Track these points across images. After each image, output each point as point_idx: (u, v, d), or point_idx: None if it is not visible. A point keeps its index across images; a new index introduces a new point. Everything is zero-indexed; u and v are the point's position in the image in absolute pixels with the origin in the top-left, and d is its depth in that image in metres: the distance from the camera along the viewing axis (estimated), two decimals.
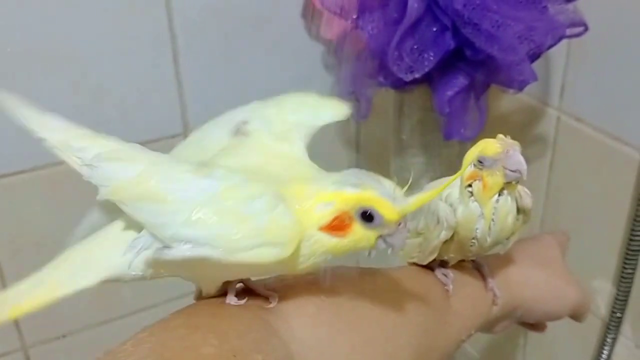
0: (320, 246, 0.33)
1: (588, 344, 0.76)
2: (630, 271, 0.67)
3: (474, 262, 0.51)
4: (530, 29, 0.50)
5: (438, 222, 0.45)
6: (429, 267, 0.49)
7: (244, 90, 0.74)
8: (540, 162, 0.76)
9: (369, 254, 0.35)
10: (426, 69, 0.52)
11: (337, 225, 0.33)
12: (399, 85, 0.59)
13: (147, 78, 0.68)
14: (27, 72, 0.63)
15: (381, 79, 0.58)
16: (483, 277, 0.50)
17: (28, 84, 0.63)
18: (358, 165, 0.85)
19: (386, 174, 0.78)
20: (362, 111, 0.62)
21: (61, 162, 0.66)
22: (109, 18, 0.64)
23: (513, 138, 0.45)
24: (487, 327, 0.52)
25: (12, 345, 0.70)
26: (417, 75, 0.53)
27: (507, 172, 0.42)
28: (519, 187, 0.45)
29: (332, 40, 0.63)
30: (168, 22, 0.67)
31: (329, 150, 0.82)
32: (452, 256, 0.48)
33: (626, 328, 0.72)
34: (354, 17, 0.53)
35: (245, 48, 0.72)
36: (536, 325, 0.58)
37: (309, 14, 0.67)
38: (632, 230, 0.64)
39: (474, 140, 0.61)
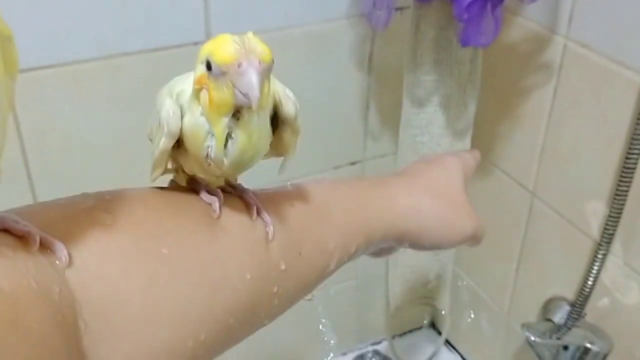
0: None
1: (580, 265, 0.81)
2: (624, 188, 0.71)
3: (234, 188, 0.40)
4: None
5: (160, 124, 0.35)
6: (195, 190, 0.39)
7: (265, 3, 0.76)
8: (544, 90, 0.80)
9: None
10: None
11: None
12: None
13: None
14: None
15: None
16: (246, 205, 0.39)
17: None
18: (369, 87, 0.88)
19: (398, 92, 0.82)
20: (382, 21, 0.64)
21: (89, 60, 0.69)
22: None
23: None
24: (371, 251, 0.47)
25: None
26: None
27: (237, 92, 0.31)
28: (279, 89, 0.36)
29: None
30: None
31: (341, 71, 0.85)
32: (201, 176, 0.38)
33: (616, 246, 0.76)
34: None
35: None
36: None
37: None
38: (630, 147, 0.68)
39: (488, 46, 0.64)
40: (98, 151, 0.75)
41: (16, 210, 0.32)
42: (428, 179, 0.50)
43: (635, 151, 0.68)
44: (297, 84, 0.84)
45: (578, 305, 0.80)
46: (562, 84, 0.78)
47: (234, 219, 0.38)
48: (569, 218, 0.82)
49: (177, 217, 0.37)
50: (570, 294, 0.84)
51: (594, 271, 0.77)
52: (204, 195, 0.38)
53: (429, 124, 0.76)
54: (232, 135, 0.34)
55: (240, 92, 0.31)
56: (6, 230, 0.29)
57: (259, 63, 0.31)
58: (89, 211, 0.33)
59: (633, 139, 0.68)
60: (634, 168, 0.70)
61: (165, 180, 0.42)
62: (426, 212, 0.48)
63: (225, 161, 0.35)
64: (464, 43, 0.62)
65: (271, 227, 0.39)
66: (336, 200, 0.45)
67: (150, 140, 0.38)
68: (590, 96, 0.75)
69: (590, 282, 0.78)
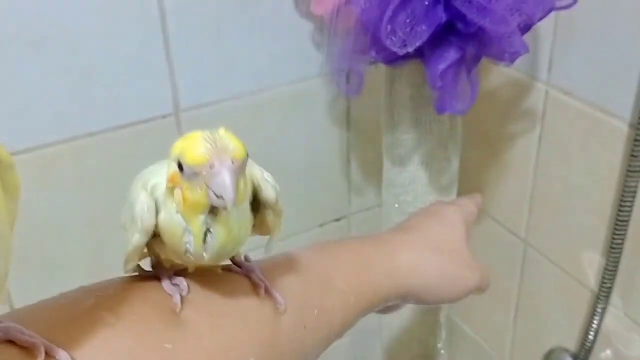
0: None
1: (578, 315, 0.78)
2: (619, 241, 0.68)
3: (240, 266, 0.39)
4: (521, 2, 0.51)
5: (134, 219, 0.33)
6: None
7: (234, 70, 0.74)
8: (529, 137, 0.77)
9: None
10: (419, 43, 0.53)
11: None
12: (391, 60, 0.59)
13: (138, 58, 0.68)
14: (15, 54, 0.62)
15: (373, 54, 0.59)
16: (254, 285, 0.38)
17: (17, 67, 0.62)
18: (349, 142, 0.85)
19: (378, 151, 0.79)
20: (354, 87, 0.62)
21: (53, 144, 0.66)
22: None
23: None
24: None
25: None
26: (410, 49, 0.53)
27: (211, 193, 0.30)
28: (257, 174, 0.35)
29: (323, 16, 0.63)
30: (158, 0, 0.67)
31: (319, 129, 0.83)
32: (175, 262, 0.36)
33: (615, 298, 0.73)
34: None
35: (235, 26, 0.72)
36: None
37: None
38: (622, 200, 0.65)
39: (465, 113, 0.61)
40: (69, 234, 0.72)
41: (19, 315, 0.32)
42: (428, 234, 0.49)
43: (628, 204, 0.65)
44: (276, 145, 0.82)
45: (581, 359, 0.77)
46: (547, 131, 0.75)
47: (238, 302, 0.37)
48: (564, 267, 0.79)
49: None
50: (571, 344, 0.80)
51: (595, 324, 0.74)
52: (165, 286, 0.36)
53: (412, 183, 0.73)
54: (211, 230, 0.32)
55: (215, 194, 0.30)
56: (11, 341, 0.29)
57: (232, 162, 0.30)
58: (91, 311, 0.33)
59: (624, 191, 0.65)
60: (628, 220, 0.67)
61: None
62: (428, 268, 0.47)
63: (206, 256, 0.33)
64: (440, 111, 0.59)
65: (283, 306, 0.38)
66: (337, 266, 0.44)
67: (124, 230, 0.36)
68: (577, 144, 0.72)
69: (591, 336, 0.74)
